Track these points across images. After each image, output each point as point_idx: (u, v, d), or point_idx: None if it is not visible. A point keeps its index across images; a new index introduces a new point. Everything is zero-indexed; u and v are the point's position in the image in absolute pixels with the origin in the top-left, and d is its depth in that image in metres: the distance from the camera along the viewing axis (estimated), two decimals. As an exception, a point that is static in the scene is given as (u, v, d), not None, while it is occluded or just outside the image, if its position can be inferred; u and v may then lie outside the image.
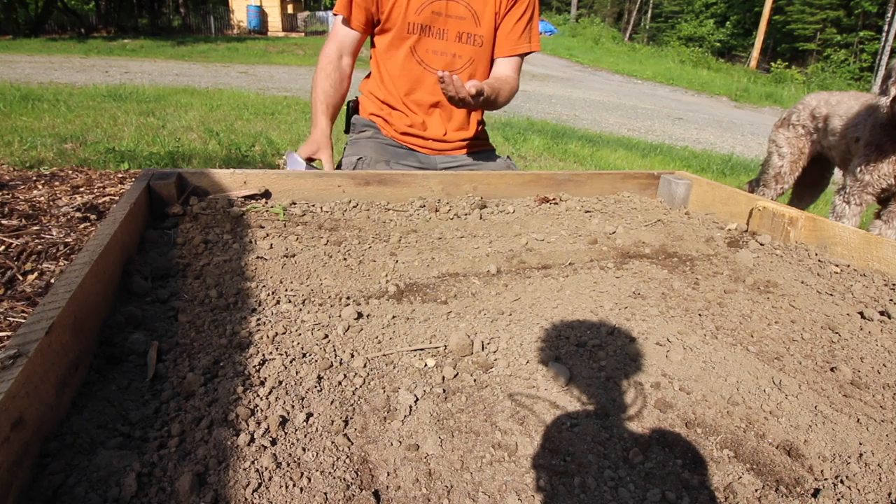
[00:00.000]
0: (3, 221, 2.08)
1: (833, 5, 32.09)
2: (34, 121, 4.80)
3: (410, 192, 1.51)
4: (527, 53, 1.85)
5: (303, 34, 23.70)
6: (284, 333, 0.82)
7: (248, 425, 0.63)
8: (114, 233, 0.90)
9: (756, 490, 0.61)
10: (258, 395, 0.68)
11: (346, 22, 1.72)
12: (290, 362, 0.75)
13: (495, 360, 0.81)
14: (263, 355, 0.75)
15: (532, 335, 0.88)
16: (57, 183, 2.77)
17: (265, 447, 0.60)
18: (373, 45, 1.83)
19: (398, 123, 1.81)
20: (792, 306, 1.08)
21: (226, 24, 24.65)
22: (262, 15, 23.97)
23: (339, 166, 1.83)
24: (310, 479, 0.57)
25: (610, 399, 0.75)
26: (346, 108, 1.93)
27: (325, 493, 0.55)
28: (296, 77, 11.92)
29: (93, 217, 2.28)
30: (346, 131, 1.95)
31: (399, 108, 1.82)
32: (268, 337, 0.80)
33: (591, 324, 0.94)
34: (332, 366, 0.75)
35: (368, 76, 1.91)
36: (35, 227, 2.06)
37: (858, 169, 2.42)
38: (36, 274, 1.72)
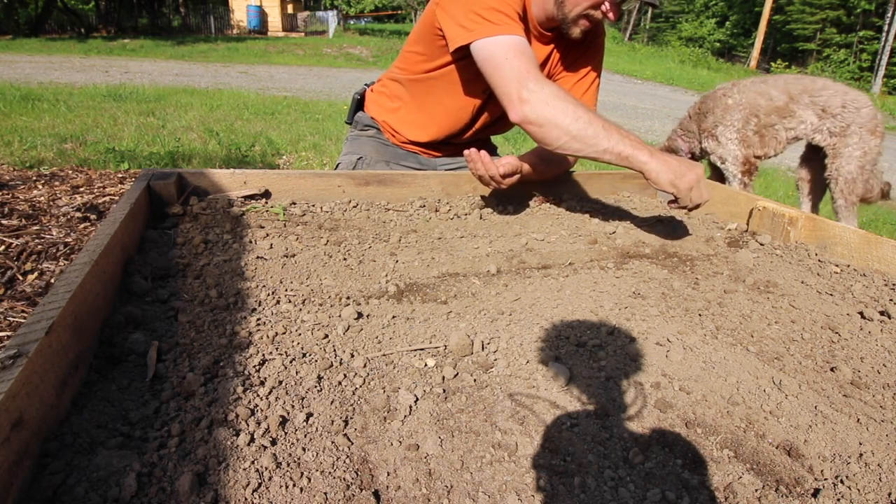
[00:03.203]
0: (3, 221, 2.08)
1: (833, 5, 32.09)
2: (34, 121, 4.80)
3: (410, 192, 1.51)
4: None
5: (303, 34, 23.72)
6: (284, 333, 0.82)
7: (248, 425, 0.62)
8: (114, 233, 0.90)
9: (756, 490, 0.61)
10: (258, 395, 0.68)
11: (520, 35, 1.32)
12: (290, 362, 0.75)
13: (495, 360, 0.81)
14: (263, 355, 0.75)
15: (532, 335, 0.88)
16: (57, 183, 2.77)
17: (265, 447, 0.60)
18: (417, 60, 1.57)
19: (402, 137, 1.78)
20: (792, 306, 1.08)
21: (226, 24, 24.66)
22: (262, 15, 23.99)
23: (337, 165, 1.83)
24: (310, 479, 0.57)
25: (610, 399, 0.75)
26: (353, 99, 1.88)
27: (325, 493, 0.55)
28: (296, 77, 11.92)
29: (93, 217, 2.28)
30: (348, 122, 1.91)
31: (412, 141, 1.75)
32: (268, 337, 0.80)
33: (591, 324, 0.94)
34: (332, 366, 0.75)
35: (383, 79, 1.79)
36: (35, 227, 2.06)
37: None
38: (36, 274, 1.72)
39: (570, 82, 1.62)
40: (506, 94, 1.28)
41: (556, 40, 1.54)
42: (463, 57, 1.40)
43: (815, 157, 3.22)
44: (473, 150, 1.39)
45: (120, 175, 3.12)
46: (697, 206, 1.32)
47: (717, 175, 3.26)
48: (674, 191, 1.27)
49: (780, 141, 3.05)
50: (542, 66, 1.57)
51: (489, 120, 1.66)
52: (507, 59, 1.28)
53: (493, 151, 1.95)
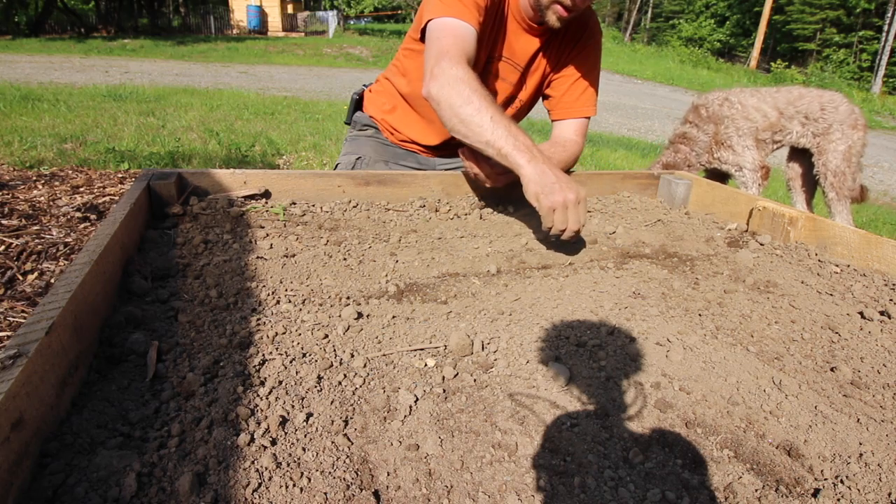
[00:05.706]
0: (3, 221, 2.08)
1: (833, 5, 32.10)
2: (34, 121, 4.80)
3: (410, 192, 1.51)
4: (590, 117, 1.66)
5: (303, 34, 23.73)
6: (284, 333, 0.82)
7: (248, 425, 0.63)
8: (114, 233, 0.90)
9: (756, 490, 0.61)
10: (258, 395, 0.68)
11: (464, 20, 1.31)
12: (290, 362, 0.75)
13: (495, 360, 0.81)
14: (263, 355, 0.75)
15: (532, 335, 0.88)
16: (57, 183, 2.77)
17: (265, 447, 0.60)
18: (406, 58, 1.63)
19: (401, 135, 1.79)
20: (792, 306, 1.08)
21: (226, 24, 24.67)
22: (262, 15, 24.02)
23: (336, 165, 1.83)
24: (310, 479, 0.57)
25: (610, 399, 0.75)
26: (351, 99, 1.90)
27: (325, 493, 0.55)
28: (296, 77, 11.92)
29: (93, 217, 2.28)
30: (347, 122, 1.92)
31: (411, 140, 1.75)
32: (268, 337, 0.80)
33: (591, 324, 0.94)
34: (332, 366, 0.75)
35: (381, 78, 1.82)
36: (35, 227, 2.06)
37: None
38: (36, 274, 1.72)
39: (566, 83, 1.62)
40: (425, 70, 1.30)
41: (548, 34, 1.55)
42: None
43: (800, 156, 3.40)
44: (468, 148, 1.39)
45: (120, 175, 3.12)
46: (563, 232, 1.18)
47: (716, 176, 3.31)
48: (536, 205, 1.18)
49: (767, 153, 3.28)
50: (532, 59, 1.58)
51: None
52: (438, 38, 1.28)
53: None
